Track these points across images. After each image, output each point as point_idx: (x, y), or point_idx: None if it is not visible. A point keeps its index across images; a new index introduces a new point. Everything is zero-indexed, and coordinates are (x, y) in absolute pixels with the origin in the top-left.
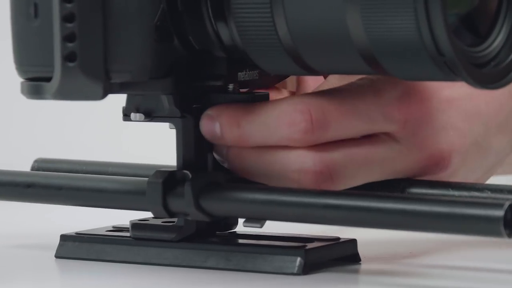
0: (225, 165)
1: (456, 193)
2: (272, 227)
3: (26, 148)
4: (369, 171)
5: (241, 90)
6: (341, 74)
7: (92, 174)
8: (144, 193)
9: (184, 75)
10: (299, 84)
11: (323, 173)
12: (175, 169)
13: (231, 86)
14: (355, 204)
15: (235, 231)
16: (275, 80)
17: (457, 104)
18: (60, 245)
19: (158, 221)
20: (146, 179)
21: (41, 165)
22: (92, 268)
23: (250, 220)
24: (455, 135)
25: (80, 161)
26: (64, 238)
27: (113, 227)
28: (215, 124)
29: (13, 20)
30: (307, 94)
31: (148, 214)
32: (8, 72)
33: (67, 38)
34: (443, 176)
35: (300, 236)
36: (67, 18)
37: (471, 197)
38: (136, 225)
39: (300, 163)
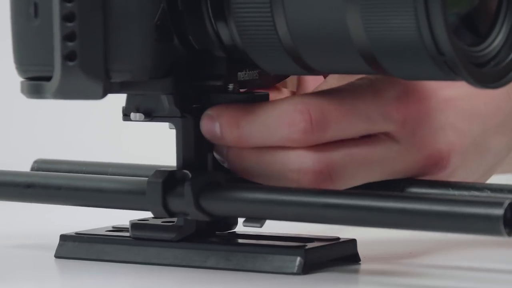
0: (225, 165)
1: (456, 192)
2: (272, 227)
3: (26, 148)
4: (369, 171)
5: (241, 90)
6: (341, 74)
7: (92, 174)
8: (144, 193)
9: (184, 75)
10: (299, 84)
11: (323, 173)
12: (175, 169)
13: (231, 86)
14: (355, 203)
15: (235, 231)
16: (275, 80)
17: (455, 104)
18: (60, 245)
19: (158, 221)
20: (146, 179)
21: (41, 165)
22: (92, 268)
23: (250, 219)
24: (454, 135)
25: (80, 161)
26: (64, 238)
27: (113, 227)
28: (215, 124)
29: (13, 20)
30: (306, 94)
31: (148, 214)
32: (8, 72)
33: (67, 37)
34: (442, 176)
35: (300, 236)
36: (67, 18)
37: (471, 196)
38: (136, 225)
39: (299, 163)
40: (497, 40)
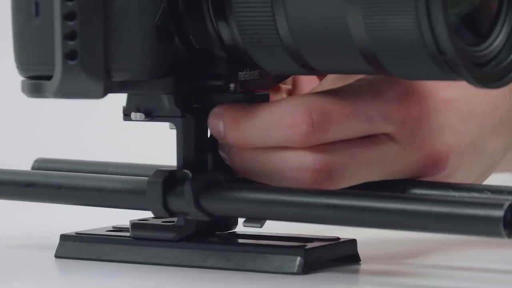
0: (228, 163)
1: (456, 193)
2: (272, 227)
3: (26, 147)
4: (368, 170)
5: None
6: (341, 73)
7: (92, 174)
8: (144, 192)
9: (185, 74)
10: (294, 86)
11: (323, 172)
12: (175, 168)
13: (232, 86)
14: (355, 204)
15: (235, 231)
16: (276, 80)
17: (453, 105)
18: (60, 245)
19: (158, 221)
20: (146, 178)
21: (41, 165)
22: (92, 268)
23: (250, 220)
24: (452, 136)
25: (81, 161)
26: (64, 238)
27: (113, 227)
28: (220, 123)
29: (14, 19)
30: (307, 95)
31: (148, 214)
32: (8, 71)
33: (68, 36)
34: (441, 177)
35: (300, 236)
36: (68, 16)
37: (471, 197)
38: (136, 225)
39: (299, 162)
40: (498, 40)
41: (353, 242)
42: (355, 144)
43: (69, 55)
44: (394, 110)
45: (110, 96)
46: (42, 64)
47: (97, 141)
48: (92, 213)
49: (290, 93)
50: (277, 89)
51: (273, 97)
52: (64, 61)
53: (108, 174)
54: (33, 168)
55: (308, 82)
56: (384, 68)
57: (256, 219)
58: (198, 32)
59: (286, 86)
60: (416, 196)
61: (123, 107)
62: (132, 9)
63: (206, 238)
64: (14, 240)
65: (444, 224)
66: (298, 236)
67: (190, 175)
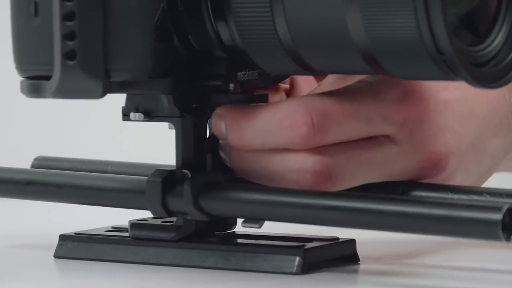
0: (228, 164)
1: (455, 196)
2: (271, 227)
3: (25, 147)
4: (368, 172)
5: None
6: (341, 73)
7: (92, 172)
8: (143, 192)
9: (184, 74)
10: (291, 86)
11: (323, 174)
12: (174, 168)
13: (231, 86)
14: (354, 206)
15: (234, 231)
16: (275, 80)
17: (452, 106)
18: (59, 245)
19: (157, 221)
20: (146, 178)
21: (41, 163)
22: (91, 268)
23: (248, 220)
24: (452, 137)
25: (80, 159)
26: (63, 238)
27: (112, 227)
28: (222, 124)
29: (13, 19)
30: (308, 96)
31: (147, 214)
32: (7, 71)
33: (67, 36)
34: (441, 178)
35: (299, 236)
36: (67, 17)
37: (470, 200)
38: (135, 225)
39: (299, 164)
40: (497, 40)
41: (352, 242)
42: (355, 145)
43: (68, 55)
44: (394, 112)
45: (109, 96)
46: (41, 64)
47: (96, 142)
48: (91, 213)
49: (288, 92)
50: (276, 89)
51: (272, 97)
52: (63, 61)
53: (108, 173)
54: (32, 166)
55: (306, 82)
56: (383, 68)
57: (255, 219)
58: (197, 32)
59: (284, 85)
60: (415, 199)
61: (122, 107)
62: (131, 9)
63: (205, 238)
64: (14, 240)
65: (442, 227)
66: (297, 236)
67: (189, 175)
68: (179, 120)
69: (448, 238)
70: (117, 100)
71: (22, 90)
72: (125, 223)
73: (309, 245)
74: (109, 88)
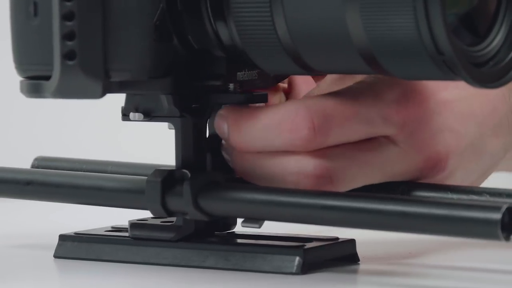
0: (230, 165)
1: (455, 196)
2: (271, 227)
3: (25, 147)
4: (369, 174)
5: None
6: (340, 73)
7: (91, 172)
8: (143, 191)
9: (183, 74)
10: (290, 85)
11: (323, 177)
12: (174, 168)
13: (231, 86)
14: (353, 206)
15: (233, 231)
16: (274, 80)
17: (452, 106)
18: (59, 245)
19: (157, 221)
20: (145, 177)
21: (41, 163)
22: (91, 268)
23: (248, 220)
24: (452, 137)
25: (80, 159)
26: (63, 238)
27: (112, 227)
28: (224, 125)
29: (12, 19)
30: (308, 98)
31: (147, 214)
32: (7, 71)
33: (67, 36)
34: (440, 178)
35: (299, 236)
36: (66, 17)
37: (470, 200)
38: (135, 225)
39: (299, 167)
40: (496, 40)
41: (352, 242)
42: (355, 147)
43: (67, 55)
44: (394, 112)
45: (109, 96)
46: (41, 64)
47: (96, 142)
48: (91, 213)
49: (286, 92)
50: (276, 89)
51: (272, 97)
52: (62, 61)
53: (107, 173)
54: (32, 166)
55: (305, 82)
56: (382, 68)
57: (255, 219)
58: (196, 32)
59: (283, 85)
60: (415, 199)
61: (122, 107)
62: (130, 9)
63: (205, 238)
64: (14, 240)
65: (442, 227)
66: (297, 236)
67: (189, 175)
68: (179, 120)
69: (448, 238)
70: (117, 100)
71: (22, 90)
72: (125, 223)
73: (309, 245)
74: (108, 88)
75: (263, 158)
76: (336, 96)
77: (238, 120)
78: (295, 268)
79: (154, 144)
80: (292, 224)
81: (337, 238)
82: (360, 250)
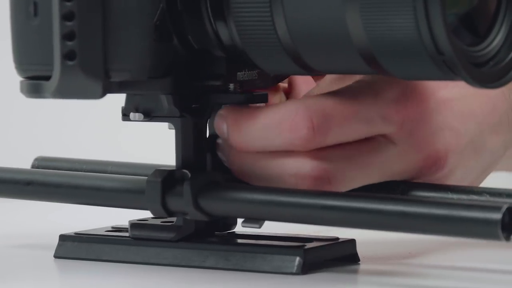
0: (226, 165)
1: (455, 196)
2: (271, 227)
3: (25, 147)
4: (368, 174)
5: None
6: (340, 73)
7: (92, 173)
8: (143, 192)
9: (183, 74)
10: (290, 85)
11: (322, 178)
12: (174, 168)
13: (231, 86)
14: (353, 206)
15: (234, 231)
16: (274, 80)
17: (451, 105)
18: (59, 245)
19: (157, 221)
20: (146, 178)
21: (41, 163)
22: (91, 268)
23: (248, 220)
24: (451, 135)
25: (80, 159)
26: (63, 238)
27: (112, 227)
28: (224, 125)
29: (12, 19)
30: (307, 97)
31: (147, 214)
32: (7, 71)
33: (67, 36)
34: (440, 177)
35: (299, 236)
36: (66, 17)
37: (470, 200)
38: (135, 225)
39: (298, 168)
40: (496, 40)
41: (352, 242)
42: (354, 148)
43: (67, 56)
44: (393, 112)
45: (109, 96)
46: (41, 64)
47: (96, 142)
48: (91, 213)
49: (286, 92)
50: (276, 89)
51: (272, 97)
52: (62, 62)
53: (108, 173)
54: (33, 166)
55: (305, 82)
56: (382, 68)
57: (255, 219)
58: (196, 32)
59: (283, 84)
60: (415, 199)
61: (122, 107)
62: (130, 9)
63: (205, 238)
64: (14, 240)
65: (442, 227)
66: (297, 236)
67: (189, 175)
68: (179, 120)
69: (448, 238)
70: (117, 100)
71: (22, 90)
72: (125, 223)
73: (309, 245)
74: (108, 88)
75: (262, 158)
76: (336, 96)
77: (237, 120)
78: (295, 268)
79: (154, 144)
80: (292, 224)
81: (337, 238)
82: (360, 250)
